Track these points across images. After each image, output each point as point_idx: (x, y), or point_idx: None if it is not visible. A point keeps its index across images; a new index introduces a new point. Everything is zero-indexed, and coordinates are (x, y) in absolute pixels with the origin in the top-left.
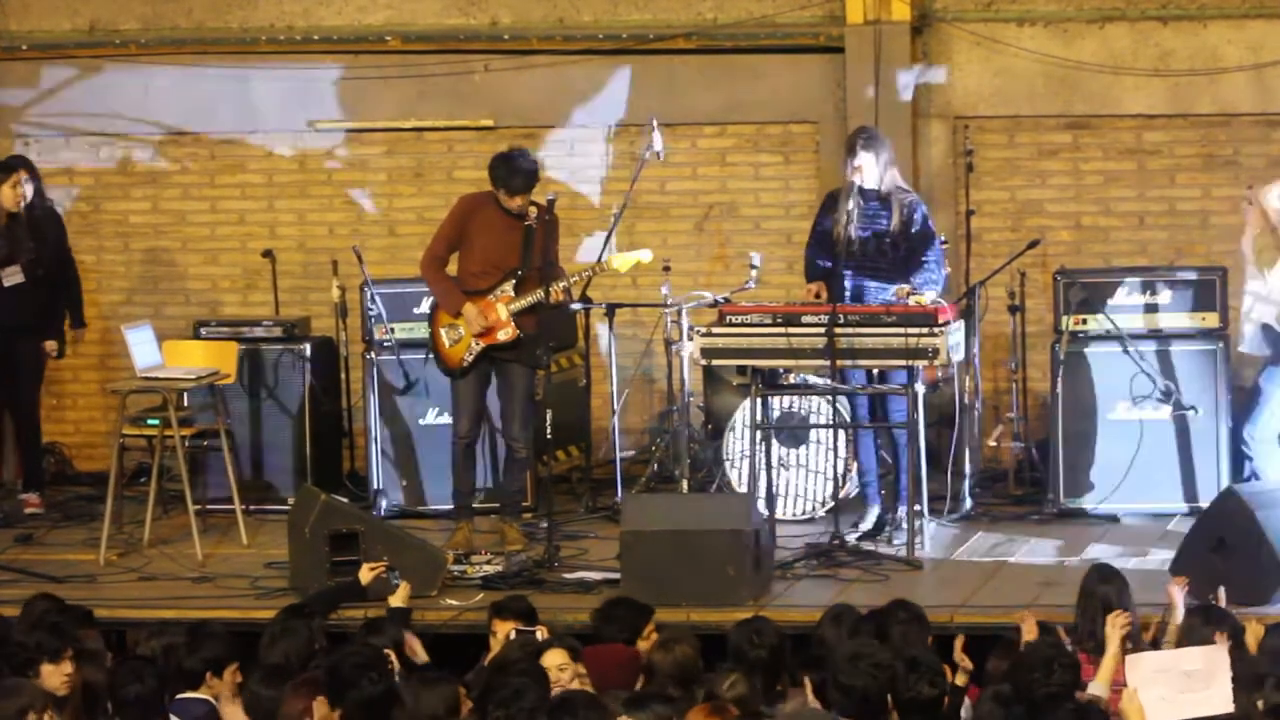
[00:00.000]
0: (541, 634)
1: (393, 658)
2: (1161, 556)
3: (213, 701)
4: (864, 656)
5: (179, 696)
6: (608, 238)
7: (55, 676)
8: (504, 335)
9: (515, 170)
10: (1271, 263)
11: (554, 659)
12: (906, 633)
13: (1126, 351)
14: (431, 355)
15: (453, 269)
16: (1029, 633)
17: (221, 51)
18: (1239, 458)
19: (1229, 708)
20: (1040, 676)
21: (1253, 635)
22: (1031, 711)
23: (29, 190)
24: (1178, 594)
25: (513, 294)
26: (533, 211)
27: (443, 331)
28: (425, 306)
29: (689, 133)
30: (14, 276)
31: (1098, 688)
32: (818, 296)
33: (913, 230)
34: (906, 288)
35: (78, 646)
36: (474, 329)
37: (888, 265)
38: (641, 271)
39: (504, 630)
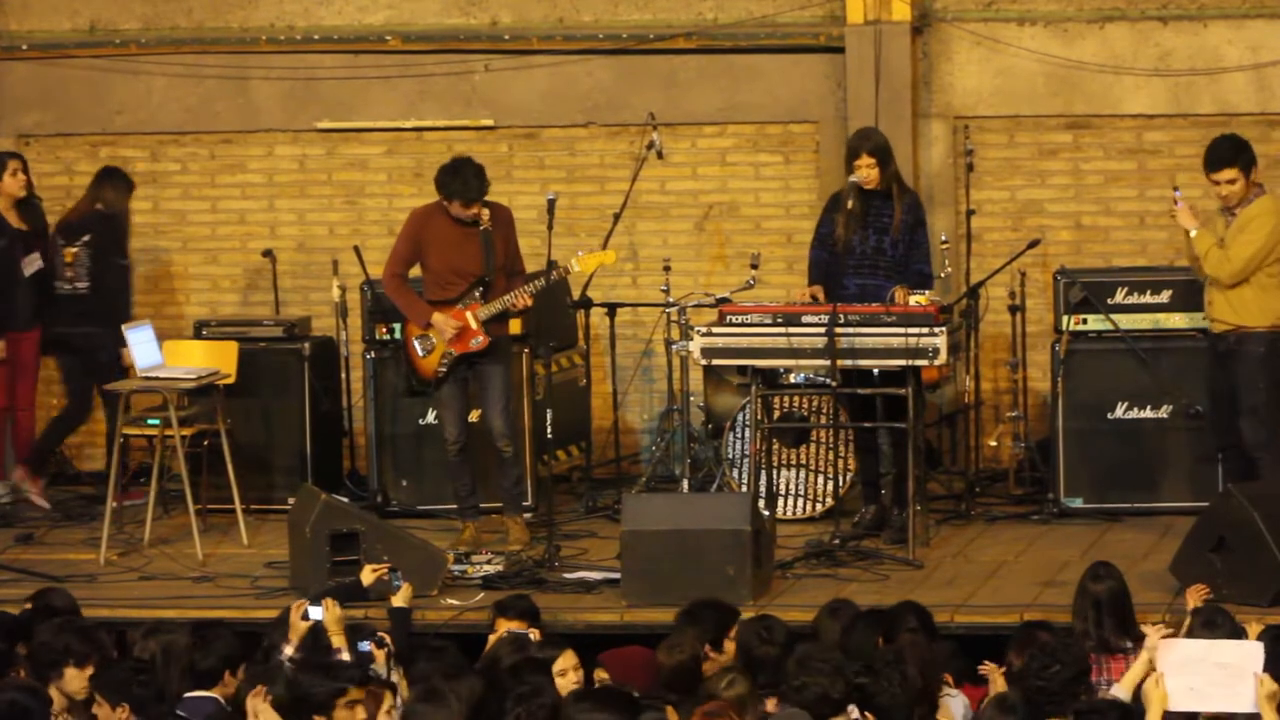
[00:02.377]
0: (534, 636)
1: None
2: (1161, 556)
3: (221, 700)
4: (813, 658)
5: (187, 695)
6: (607, 238)
7: (78, 680)
8: (476, 344)
9: (467, 182)
10: None
11: (568, 661)
12: (914, 641)
13: (1127, 351)
14: (405, 371)
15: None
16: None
17: (221, 51)
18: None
19: (1253, 709)
20: (1038, 669)
21: (1252, 636)
22: (1032, 708)
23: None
24: (1192, 600)
25: (481, 301)
26: (485, 214)
27: (415, 343)
28: None
29: (689, 133)
30: (33, 264)
31: (1120, 691)
32: (814, 300)
33: (910, 223)
34: (904, 289)
35: (103, 652)
36: (446, 336)
37: (886, 265)
38: (640, 270)
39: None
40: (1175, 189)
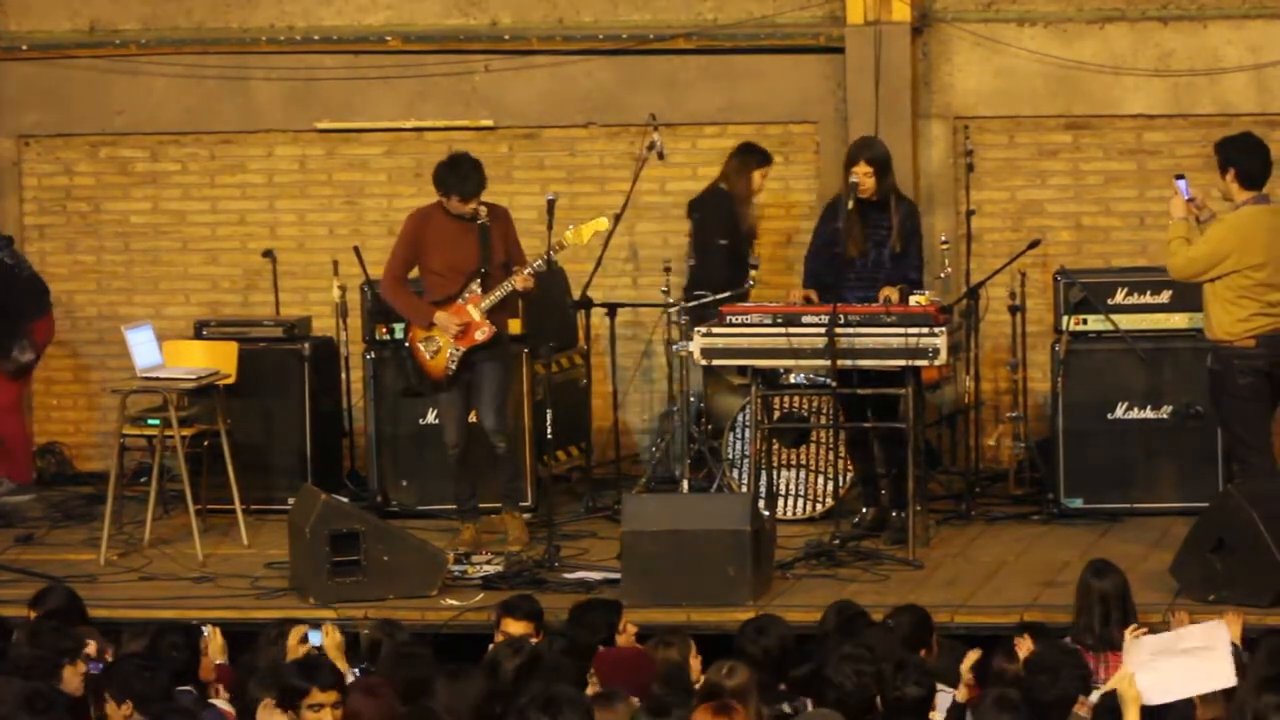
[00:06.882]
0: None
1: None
2: (1161, 557)
3: (194, 694)
4: (854, 658)
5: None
6: (607, 238)
7: (75, 679)
8: (481, 335)
9: (465, 177)
10: None
11: None
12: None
13: (1127, 351)
14: (414, 376)
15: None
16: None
17: (221, 51)
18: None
19: (1232, 681)
20: (1047, 680)
21: (1234, 635)
22: (1038, 716)
23: None
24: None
25: (480, 293)
26: (483, 211)
27: (420, 346)
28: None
29: (689, 133)
30: None
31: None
32: (808, 301)
33: (906, 232)
34: (895, 292)
35: (83, 646)
36: (450, 333)
37: (885, 277)
38: (640, 270)
39: (515, 630)
40: (1180, 177)
